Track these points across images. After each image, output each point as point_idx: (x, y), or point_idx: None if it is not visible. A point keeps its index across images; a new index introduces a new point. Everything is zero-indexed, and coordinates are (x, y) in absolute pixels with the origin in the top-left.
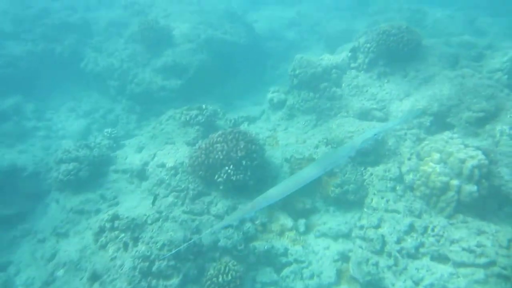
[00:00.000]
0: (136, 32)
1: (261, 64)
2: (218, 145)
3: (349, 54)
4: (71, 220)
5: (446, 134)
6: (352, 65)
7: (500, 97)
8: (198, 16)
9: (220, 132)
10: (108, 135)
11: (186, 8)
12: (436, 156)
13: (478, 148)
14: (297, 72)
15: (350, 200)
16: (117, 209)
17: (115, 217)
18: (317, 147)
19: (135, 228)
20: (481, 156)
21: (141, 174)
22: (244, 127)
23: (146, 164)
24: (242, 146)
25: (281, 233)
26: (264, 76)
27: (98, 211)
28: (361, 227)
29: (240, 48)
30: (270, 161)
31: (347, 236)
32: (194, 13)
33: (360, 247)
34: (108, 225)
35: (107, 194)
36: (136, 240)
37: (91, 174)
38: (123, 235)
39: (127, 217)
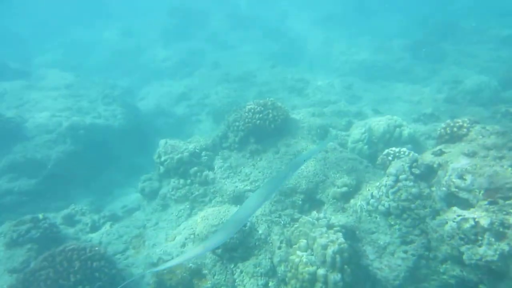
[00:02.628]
0: None
1: (148, 144)
2: (43, 272)
3: (219, 133)
4: None
5: (313, 215)
6: (224, 144)
7: (360, 169)
8: (65, 101)
9: (45, 254)
10: None
11: (50, 94)
12: (303, 242)
13: (343, 226)
14: (162, 159)
15: None
16: None
17: None
18: (184, 245)
19: None
20: (341, 239)
21: None
22: (105, 229)
23: None
24: (77, 268)
25: None
26: (152, 156)
27: None
28: None
29: (117, 132)
30: (127, 273)
31: None
32: (60, 98)
33: None
34: None
35: None
36: None
37: None
38: None
39: None
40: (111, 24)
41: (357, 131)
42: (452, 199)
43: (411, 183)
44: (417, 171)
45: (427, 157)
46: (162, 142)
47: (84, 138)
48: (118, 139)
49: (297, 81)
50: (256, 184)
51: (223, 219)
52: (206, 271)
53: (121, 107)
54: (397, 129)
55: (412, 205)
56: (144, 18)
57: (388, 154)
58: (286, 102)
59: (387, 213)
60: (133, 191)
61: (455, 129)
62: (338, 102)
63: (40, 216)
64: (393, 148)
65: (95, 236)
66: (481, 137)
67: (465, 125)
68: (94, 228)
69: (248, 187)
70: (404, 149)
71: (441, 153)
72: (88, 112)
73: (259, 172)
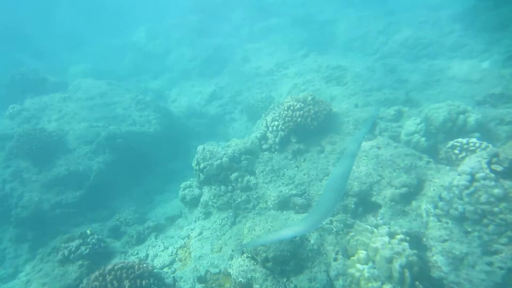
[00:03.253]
0: (16, 146)
1: (183, 148)
2: None
3: (258, 135)
4: None
5: (371, 221)
6: (264, 146)
7: (420, 166)
8: (100, 110)
9: (96, 273)
10: None
11: (86, 104)
12: (362, 254)
13: (407, 234)
14: (201, 166)
15: None
16: None
17: None
18: (231, 257)
19: None
20: (408, 251)
21: None
22: (151, 241)
23: None
24: (127, 287)
25: None
26: (189, 160)
27: None
28: None
29: (152, 138)
30: None
31: None
32: (96, 107)
33: None
34: None
35: None
36: None
37: None
38: None
39: None
40: (137, 28)
41: (411, 122)
42: None
43: (493, 183)
44: (498, 168)
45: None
46: (199, 148)
47: (122, 147)
48: (154, 145)
49: (334, 69)
50: (302, 188)
51: (271, 229)
52: (257, 286)
53: (154, 112)
54: (461, 116)
55: (496, 209)
56: (167, 18)
57: (453, 147)
58: (324, 93)
59: (461, 218)
60: (173, 197)
61: None
62: (382, 89)
63: (88, 231)
64: (460, 139)
65: (141, 249)
66: None
67: None
68: (140, 240)
69: (294, 191)
70: (473, 139)
71: None
72: (124, 120)
73: (304, 174)
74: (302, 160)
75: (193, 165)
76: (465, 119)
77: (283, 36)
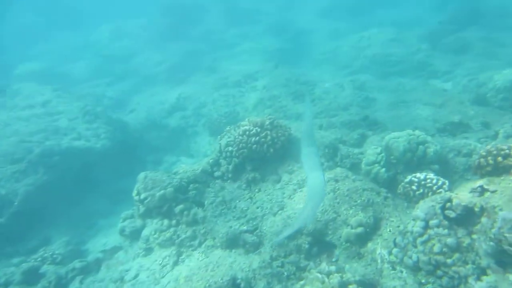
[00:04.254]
0: None
1: (139, 164)
2: None
3: (210, 160)
4: None
5: (323, 268)
6: (216, 174)
7: (377, 203)
8: (38, 121)
9: None
10: None
11: (22, 114)
12: None
13: (360, 282)
14: (142, 196)
15: None
16: None
17: None
18: None
19: None
20: None
21: None
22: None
23: None
24: None
25: None
26: None
27: None
28: None
29: (100, 154)
30: None
31: None
32: (34, 118)
33: None
34: None
35: None
36: None
37: None
38: None
39: None
40: (99, 26)
41: (372, 151)
42: (505, 258)
43: (446, 231)
44: (452, 214)
45: (465, 196)
46: (141, 176)
47: (60, 165)
48: (101, 162)
49: (303, 84)
50: (254, 223)
51: (211, 280)
52: None
53: (105, 124)
54: (421, 147)
55: (449, 260)
56: (135, 18)
57: (411, 183)
58: (290, 110)
59: (415, 268)
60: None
61: (499, 158)
62: (349, 108)
63: None
64: (418, 174)
65: None
66: None
67: None
68: (60, 286)
69: (245, 227)
70: (430, 175)
71: (483, 191)
72: (66, 133)
73: (258, 208)
74: (256, 190)
75: (133, 195)
76: (425, 150)
77: (255, 44)
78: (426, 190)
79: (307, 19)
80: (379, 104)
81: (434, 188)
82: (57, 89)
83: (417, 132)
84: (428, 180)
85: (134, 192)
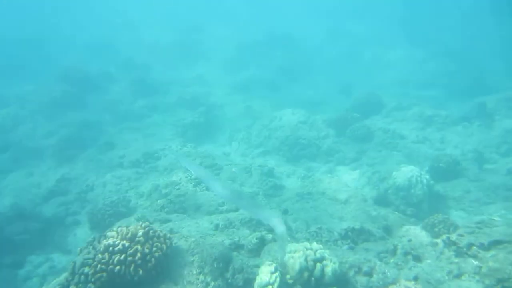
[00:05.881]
0: None
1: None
2: None
3: (57, 287)
4: None
5: None
6: None
7: None
8: None
9: None
10: None
11: None
12: None
13: None
14: None
15: None
16: None
17: None
18: None
19: None
20: None
21: None
22: None
23: None
24: None
25: None
26: None
27: None
28: None
29: None
30: None
31: None
32: None
33: None
34: None
35: None
36: None
37: None
38: None
39: None
40: None
41: (266, 269)
42: None
43: None
44: None
45: None
46: None
47: None
48: None
49: (208, 168)
50: None
51: None
52: None
53: None
54: (318, 265)
55: None
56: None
57: None
58: (189, 200)
59: None
60: None
61: None
62: (255, 198)
63: None
64: None
65: None
66: None
67: None
68: None
69: None
70: None
71: None
72: None
73: None
74: None
75: None
76: (323, 269)
77: (164, 118)
78: None
79: (222, 93)
80: (286, 193)
81: None
82: None
83: (314, 245)
84: None
85: None
